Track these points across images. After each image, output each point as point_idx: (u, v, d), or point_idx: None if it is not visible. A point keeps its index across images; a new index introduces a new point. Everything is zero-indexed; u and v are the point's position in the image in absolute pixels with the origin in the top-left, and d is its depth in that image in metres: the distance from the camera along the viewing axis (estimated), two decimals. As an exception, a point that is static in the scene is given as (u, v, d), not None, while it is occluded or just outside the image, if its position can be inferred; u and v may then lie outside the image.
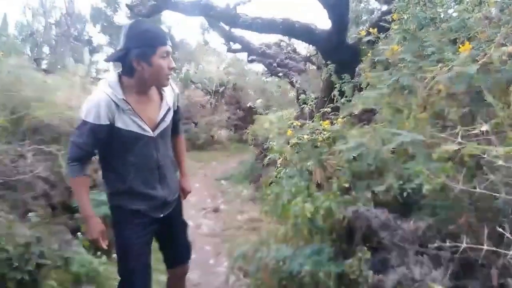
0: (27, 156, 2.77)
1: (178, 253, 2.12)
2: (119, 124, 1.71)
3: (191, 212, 4.96)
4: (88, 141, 1.70)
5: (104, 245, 1.84)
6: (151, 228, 1.93)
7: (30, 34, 9.94)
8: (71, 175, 1.76)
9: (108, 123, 1.68)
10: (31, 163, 2.74)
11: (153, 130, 1.80)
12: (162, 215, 1.93)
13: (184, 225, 2.16)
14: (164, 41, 1.69)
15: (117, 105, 1.69)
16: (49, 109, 3.23)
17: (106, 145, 1.75)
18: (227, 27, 6.21)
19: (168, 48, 1.71)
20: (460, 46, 1.73)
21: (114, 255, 3.10)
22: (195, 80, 11.24)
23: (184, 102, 10.01)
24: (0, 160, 2.68)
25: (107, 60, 1.90)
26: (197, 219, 4.72)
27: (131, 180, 1.79)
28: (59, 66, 8.99)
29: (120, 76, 1.75)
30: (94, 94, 1.71)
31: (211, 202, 5.53)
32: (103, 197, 3.38)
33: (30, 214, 2.58)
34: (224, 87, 11.40)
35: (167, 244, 2.09)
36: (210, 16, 4.66)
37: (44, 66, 8.90)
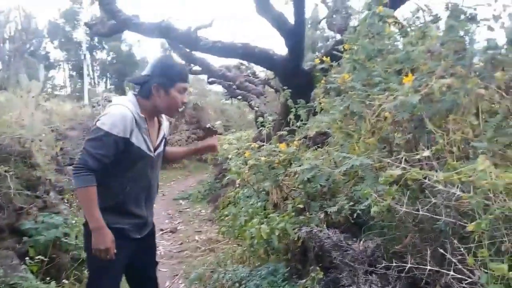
0: (-28, 177, 2.63)
1: None
2: (133, 139, 1.79)
3: (147, 234, 4.86)
4: (108, 154, 1.73)
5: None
6: (129, 252, 1.92)
7: (-19, 47, 9.51)
8: (83, 184, 1.71)
9: (128, 137, 1.76)
10: (-24, 184, 2.61)
11: (154, 152, 1.91)
12: (139, 236, 1.94)
13: (155, 262, 2.18)
14: (185, 79, 1.89)
15: (136, 122, 1.79)
16: (-2, 127, 3.10)
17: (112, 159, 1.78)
18: (187, 49, 6.26)
19: (187, 85, 1.91)
20: (404, 77, 1.86)
21: (65, 281, 2.98)
22: (155, 99, 11.12)
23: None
24: None
25: (131, 81, 2.01)
26: (153, 241, 4.62)
27: (124, 196, 1.84)
28: (11, 81, 8.64)
29: (135, 97, 1.88)
30: (117, 108, 1.77)
31: (169, 223, 5.44)
32: (54, 219, 3.27)
33: (-27, 238, 2.44)
34: (184, 106, 11.37)
35: (136, 277, 2.08)
36: (170, 38, 4.70)
37: (-6, 81, 8.52)
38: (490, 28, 1.75)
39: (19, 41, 9.98)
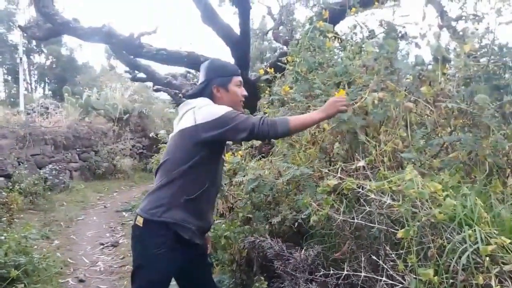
0: None
1: None
2: None
3: (86, 248, 4.63)
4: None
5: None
6: (184, 261, 1.84)
7: None
8: (285, 123, 1.74)
9: None
10: None
11: None
12: (199, 242, 1.85)
13: (210, 264, 2.12)
14: (237, 72, 1.97)
15: None
16: None
17: (206, 148, 1.77)
18: (130, 56, 6.09)
19: (241, 78, 1.97)
20: (341, 89, 1.94)
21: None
22: (97, 106, 10.70)
23: (84, 129, 9.46)
24: None
25: (190, 96, 1.97)
26: (92, 255, 4.41)
27: (201, 193, 1.78)
28: None
29: None
30: (210, 103, 1.85)
31: (110, 236, 5.21)
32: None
33: None
34: (129, 114, 11.03)
35: (196, 283, 2.00)
36: (112, 44, 4.55)
37: None
38: (417, 46, 1.87)
39: None
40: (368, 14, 2.36)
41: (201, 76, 1.96)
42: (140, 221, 1.76)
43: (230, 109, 1.78)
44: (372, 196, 1.51)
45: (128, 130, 10.93)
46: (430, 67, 1.81)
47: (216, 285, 2.14)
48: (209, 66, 1.96)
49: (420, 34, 1.82)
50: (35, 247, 4.02)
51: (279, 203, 2.57)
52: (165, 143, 8.01)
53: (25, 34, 11.29)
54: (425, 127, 1.84)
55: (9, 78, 27.94)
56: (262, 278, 2.34)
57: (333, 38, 2.64)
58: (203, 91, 1.92)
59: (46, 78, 29.86)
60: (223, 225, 2.80)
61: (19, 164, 6.93)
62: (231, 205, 3.20)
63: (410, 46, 2.14)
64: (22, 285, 3.17)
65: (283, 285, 2.01)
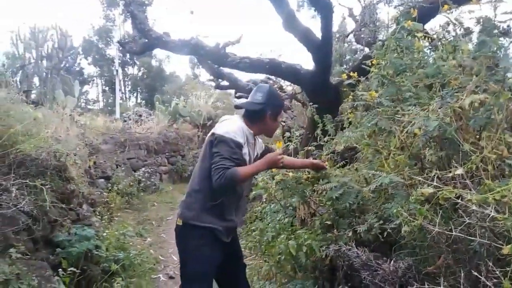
0: (11, 190, 2.74)
1: None
2: (243, 150, 2.06)
3: (175, 247, 4.89)
4: (239, 157, 2.01)
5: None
6: (222, 254, 2.13)
7: (21, 66, 10.00)
8: (231, 181, 1.92)
9: (243, 145, 2.05)
10: (15, 197, 2.71)
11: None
12: (227, 241, 2.14)
13: (243, 265, 2.41)
14: (284, 104, 2.28)
15: (246, 136, 2.09)
16: (36, 142, 3.23)
17: None
18: (216, 65, 6.35)
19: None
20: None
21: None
22: (183, 113, 11.34)
23: (172, 135, 10.07)
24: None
25: (243, 107, 2.20)
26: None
27: (222, 200, 2.05)
28: (48, 96, 9.01)
29: (242, 119, 2.17)
30: (234, 122, 2.10)
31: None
32: (86, 232, 3.36)
33: (11, 249, 2.54)
34: (212, 120, 11.51)
35: (228, 282, 2.30)
36: (199, 55, 4.79)
37: (33, 96, 8.93)
38: (526, 43, 1.69)
39: (55, 58, 10.41)
40: (464, 11, 2.19)
41: (259, 95, 2.15)
42: (179, 221, 2.09)
43: (235, 136, 1.99)
44: (473, 207, 1.39)
45: (211, 135, 11.39)
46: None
47: (248, 285, 2.41)
48: (270, 93, 2.16)
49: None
50: (131, 243, 4.35)
51: (364, 211, 2.48)
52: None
53: (121, 48, 12.29)
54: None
55: (107, 88, 30.77)
56: (347, 287, 2.28)
57: (423, 37, 2.50)
58: (257, 111, 2.12)
59: (138, 88, 32.33)
60: (304, 234, 2.78)
61: (117, 167, 7.59)
62: (313, 211, 3.17)
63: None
64: (120, 279, 3.45)
65: (370, 296, 1.94)
